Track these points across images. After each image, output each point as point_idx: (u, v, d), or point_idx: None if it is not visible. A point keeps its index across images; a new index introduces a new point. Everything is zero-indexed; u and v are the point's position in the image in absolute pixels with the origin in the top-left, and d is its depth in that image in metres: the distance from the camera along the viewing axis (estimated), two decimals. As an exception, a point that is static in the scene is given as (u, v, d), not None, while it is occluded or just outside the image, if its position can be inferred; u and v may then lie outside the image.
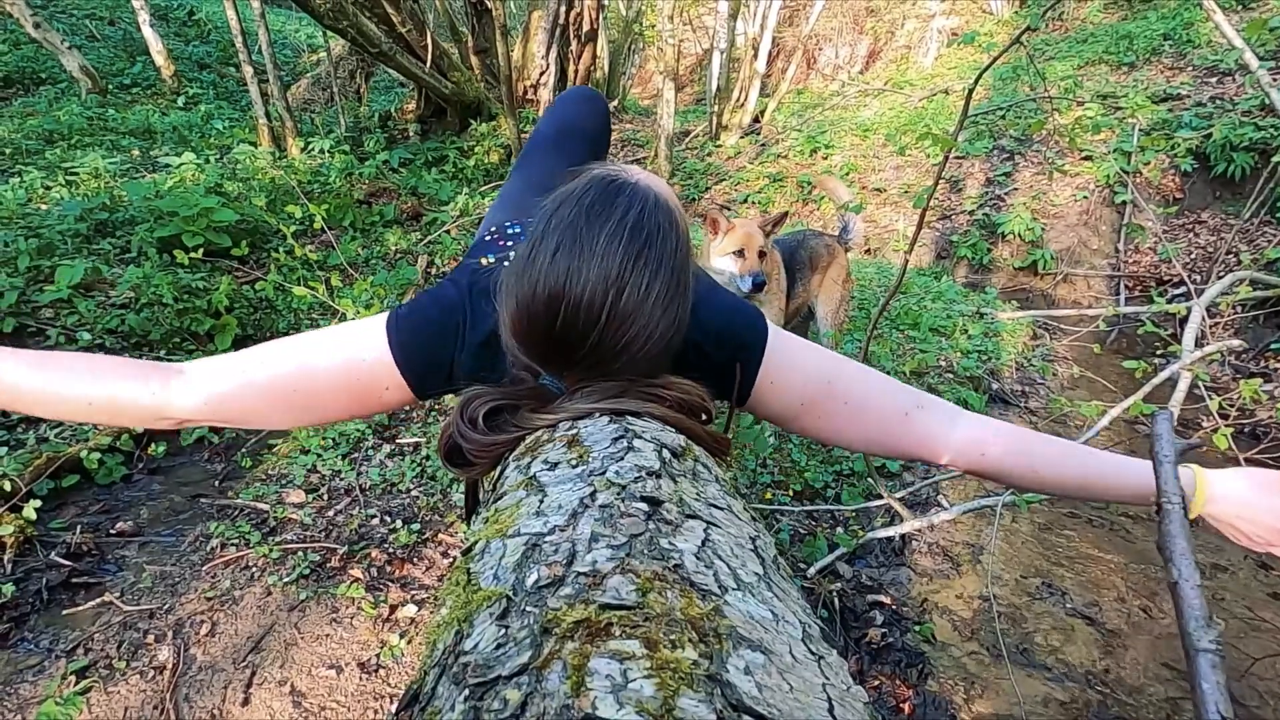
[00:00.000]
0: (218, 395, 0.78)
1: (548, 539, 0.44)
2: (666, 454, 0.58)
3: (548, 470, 0.56)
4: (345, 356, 0.80)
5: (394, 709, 0.40)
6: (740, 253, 2.38)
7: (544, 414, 0.69)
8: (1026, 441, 0.83)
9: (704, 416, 0.73)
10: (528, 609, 0.37)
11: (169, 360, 2.95)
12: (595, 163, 0.78)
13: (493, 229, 1.05)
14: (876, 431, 0.83)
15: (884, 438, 0.84)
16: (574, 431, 0.63)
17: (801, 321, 3.18)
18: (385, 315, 0.83)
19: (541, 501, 0.50)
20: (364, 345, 0.81)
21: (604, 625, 0.34)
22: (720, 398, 0.83)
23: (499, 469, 0.69)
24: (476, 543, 0.50)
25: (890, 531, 2.29)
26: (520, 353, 0.71)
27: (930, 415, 0.83)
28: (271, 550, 2.12)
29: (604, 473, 0.52)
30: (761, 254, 2.41)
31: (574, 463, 0.56)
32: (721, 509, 0.53)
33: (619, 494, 0.48)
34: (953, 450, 0.83)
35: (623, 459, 0.55)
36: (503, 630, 0.37)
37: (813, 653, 0.38)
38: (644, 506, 0.47)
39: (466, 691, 0.33)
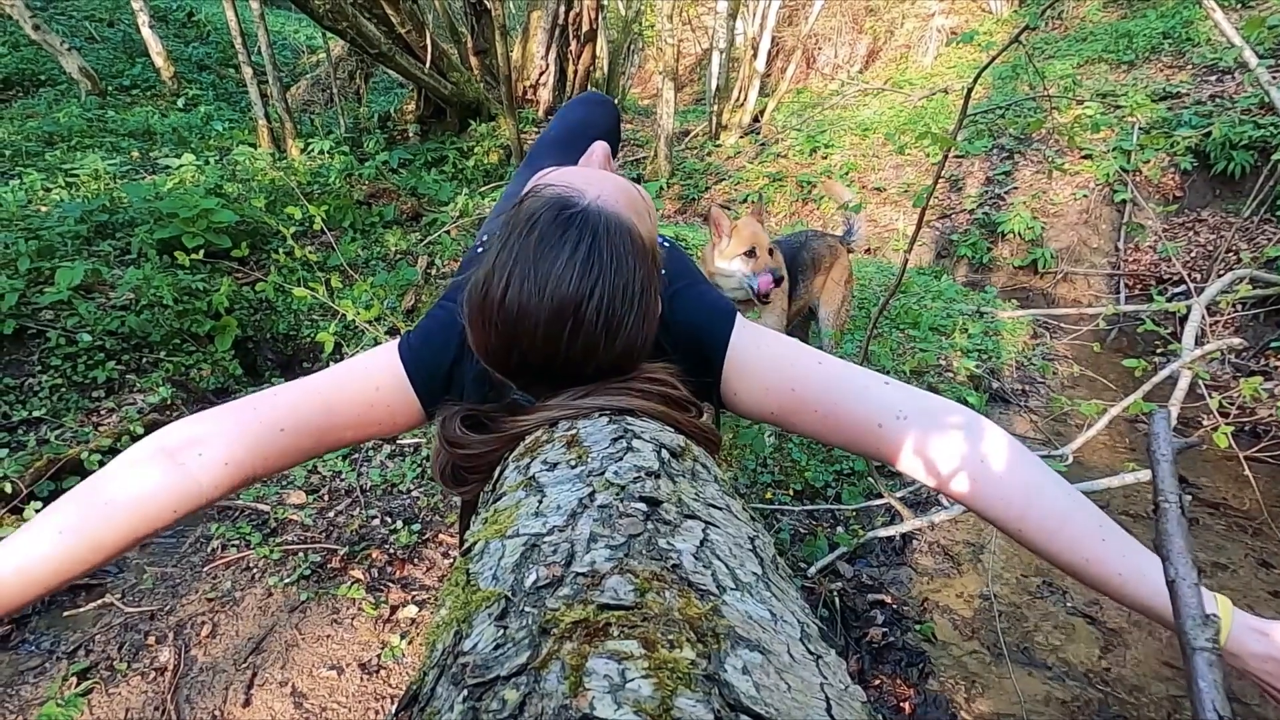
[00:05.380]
0: (239, 462, 0.71)
1: (546, 539, 0.44)
2: (665, 454, 0.58)
3: (547, 471, 0.56)
4: (365, 392, 0.79)
5: (394, 709, 0.40)
6: (751, 252, 2.32)
7: (523, 417, 0.69)
8: (1023, 488, 0.70)
9: (691, 409, 0.73)
10: (526, 609, 0.37)
11: (169, 360, 2.94)
12: (554, 172, 0.76)
13: (484, 238, 1.04)
14: (851, 440, 0.77)
15: (860, 447, 0.77)
16: (573, 432, 0.63)
17: (803, 322, 3.18)
18: (395, 343, 0.82)
19: (540, 502, 0.51)
20: (380, 376, 0.80)
21: (602, 625, 0.34)
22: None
23: (498, 470, 0.69)
24: (476, 543, 0.50)
25: (891, 531, 2.30)
26: (492, 372, 0.73)
27: (909, 427, 0.73)
28: (272, 551, 2.12)
29: (603, 473, 0.52)
30: (770, 250, 2.36)
31: (573, 463, 0.56)
32: (720, 509, 0.53)
33: (618, 494, 0.48)
34: (931, 474, 0.74)
35: (622, 459, 0.55)
36: (501, 631, 0.37)
37: (811, 652, 0.38)
38: (642, 507, 0.47)
39: (465, 692, 0.33)
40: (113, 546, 0.67)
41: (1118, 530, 0.68)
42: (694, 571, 0.40)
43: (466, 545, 0.52)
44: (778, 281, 2.30)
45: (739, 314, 0.85)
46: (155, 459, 0.69)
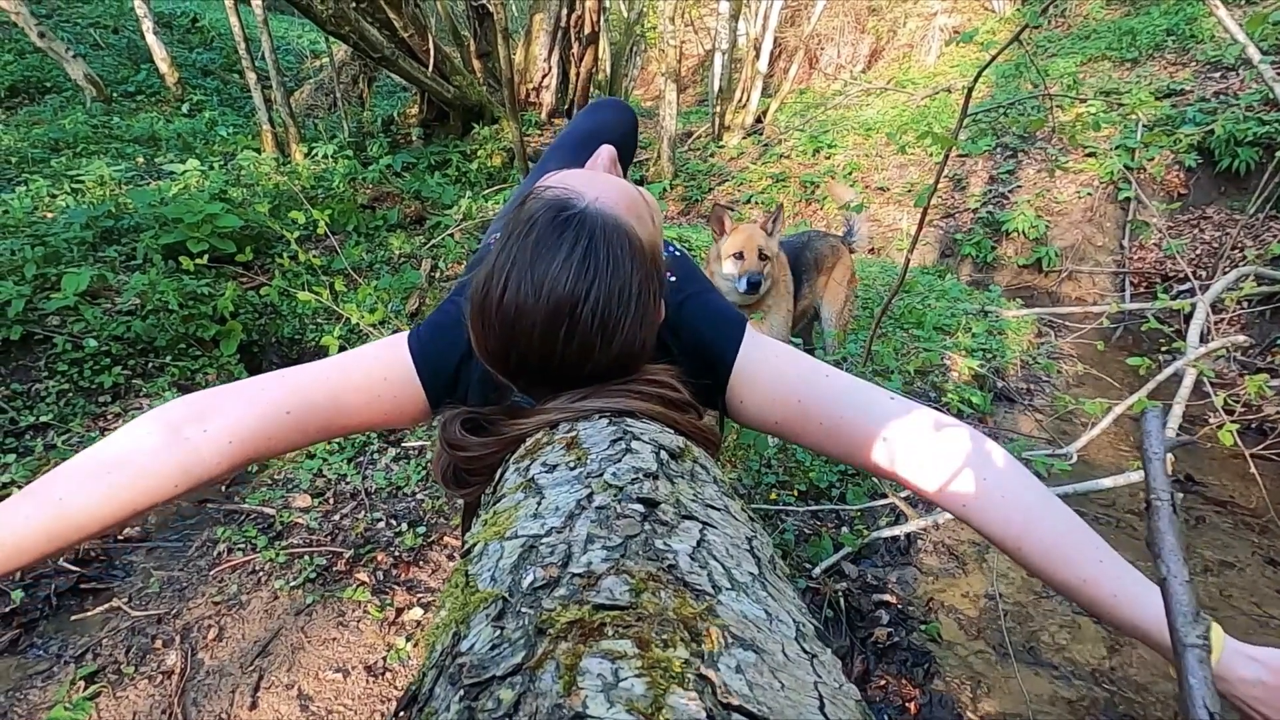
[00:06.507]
0: (243, 440, 0.71)
1: (544, 541, 0.45)
2: (664, 455, 0.58)
3: (546, 473, 0.57)
4: (372, 380, 0.79)
5: (394, 709, 0.41)
6: (739, 255, 2.41)
7: (521, 420, 0.69)
8: (1024, 508, 0.70)
9: (691, 410, 0.72)
10: (523, 610, 0.38)
11: (175, 365, 2.95)
12: (557, 174, 0.75)
13: (493, 237, 1.05)
14: (854, 454, 0.77)
15: (863, 461, 0.77)
16: (572, 434, 0.63)
17: (807, 322, 3.18)
18: (405, 334, 0.82)
19: (539, 504, 0.51)
20: (389, 367, 0.80)
21: (597, 625, 0.34)
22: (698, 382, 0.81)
23: (499, 473, 0.70)
24: (476, 545, 0.50)
25: (895, 531, 2.29)
26: (493, 373, 0.73)
27: (913, 444, 0.74)
28: (278, 554, 2.13)
29: (601, 475, 0.52)
30: (765, 256, 2.42)
31: (572, 465, 0.56)
32: (718, 510, 0.53)
33: (616, 496, 0.49)
34: (933, 490, 0.74)
35: (620, 461, 0.55)
36: (498, 631, 0.37)
37: (806, 651, 0.38)
38: (640, 508, 0.47)
39: (462, 692, 0.33)
40: (111, 517, 0.67)
41: (1114, 554, 0.69)
42: (690, 572, 0.41)
43: (466, 547, 0.53)
44: (752, 286, 2.41)
45: (748, 323, 0.86)
46: (160, 432, 0.69)
